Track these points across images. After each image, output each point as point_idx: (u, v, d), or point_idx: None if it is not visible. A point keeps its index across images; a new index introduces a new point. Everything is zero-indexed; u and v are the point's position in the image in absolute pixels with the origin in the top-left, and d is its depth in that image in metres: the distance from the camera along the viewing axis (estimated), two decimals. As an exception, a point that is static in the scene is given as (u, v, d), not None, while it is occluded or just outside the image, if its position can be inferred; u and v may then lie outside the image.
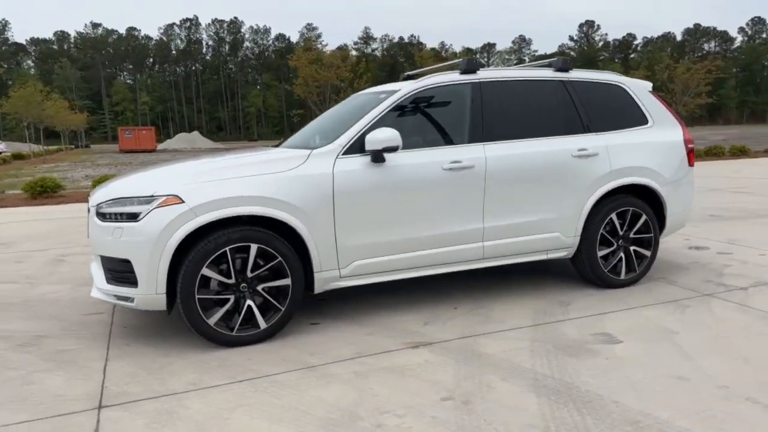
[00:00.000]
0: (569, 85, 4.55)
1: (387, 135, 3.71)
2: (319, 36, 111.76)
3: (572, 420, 2.59)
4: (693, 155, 4.88)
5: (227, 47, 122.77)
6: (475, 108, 4.21)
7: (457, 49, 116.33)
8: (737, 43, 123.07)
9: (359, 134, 3.85)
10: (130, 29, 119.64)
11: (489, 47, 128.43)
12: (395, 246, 3.90)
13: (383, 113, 3.97)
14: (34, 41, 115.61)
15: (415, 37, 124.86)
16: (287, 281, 3.61)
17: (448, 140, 4.19)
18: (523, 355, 3.34)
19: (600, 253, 4.48)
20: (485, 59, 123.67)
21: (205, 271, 3.42)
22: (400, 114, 4.07)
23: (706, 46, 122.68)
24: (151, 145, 56.26)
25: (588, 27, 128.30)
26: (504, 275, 5.07)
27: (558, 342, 3.53)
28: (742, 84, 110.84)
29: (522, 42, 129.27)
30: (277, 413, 2.74)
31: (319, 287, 3.79)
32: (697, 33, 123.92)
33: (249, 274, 3.54)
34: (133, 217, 3.42)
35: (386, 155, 3.81)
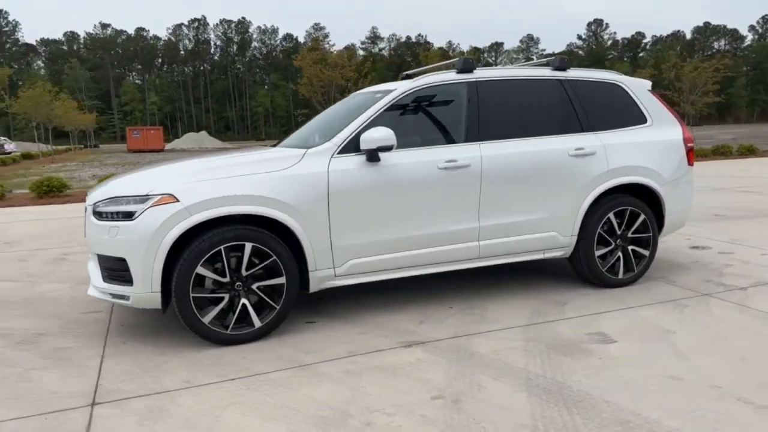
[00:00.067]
0: (567, 84, 4.53)
1: (381, 134, 3.72)
2: (326, 36, 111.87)
3: (562, 419, 2.59)
4: (692, 154, 4.85)
5: (235, 47, 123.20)
6: (471, 107, 4.21)
7: (465, 48, 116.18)
8: (747, 42, 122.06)
9: (354, 133, 3.86)
10: (139, 29, 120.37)
11: (497, 46, 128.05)
12: (390, 245, 3.91)
13: (378, 113, 3.98)
14: (44, 42, 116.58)
15: (422, 36, 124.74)
16: (282, 280, 3.62)
17: (443, 139, 4.19)
18: (516, 355, 3.33)
19: (597, 253, 4.46)
20: (493, 58, 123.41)
21: (200, 269, 3.44)
22: (395, 113, 4.08)
23: (716, 45, 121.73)
24: (159, 145, 56.56)
25: (596, 26, 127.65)
26: (501, 275, 5.06)
27: (552, 341, 3.52)
28: (752, 82, 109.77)
29: (530, 41, 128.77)
30: (268, 411, 2.75)
31: (314, 286, 3.80)
32: (706, 31, 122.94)
33: (244, 273, 3.56)
34: (129, 215, 3.45)
35: (381, 154, 3.82)
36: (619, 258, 4.54)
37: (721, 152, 19.91)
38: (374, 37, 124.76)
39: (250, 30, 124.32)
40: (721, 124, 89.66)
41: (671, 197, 4.68)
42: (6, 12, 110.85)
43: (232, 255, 3.53)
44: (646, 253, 4.63)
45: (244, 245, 3.51)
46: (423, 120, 4.28)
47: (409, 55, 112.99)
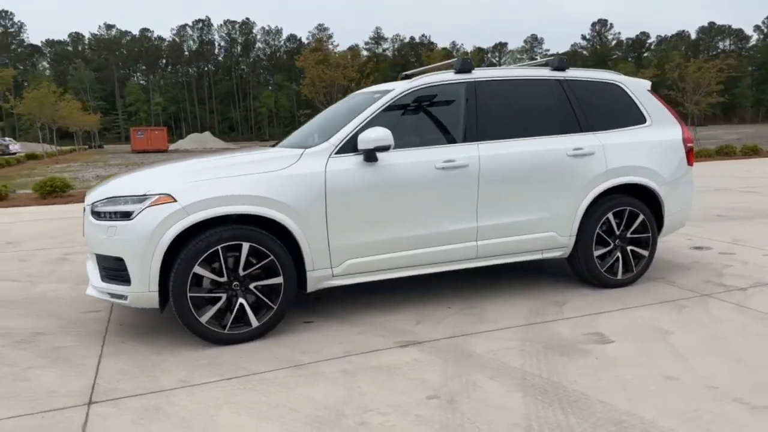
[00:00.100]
0: (565, 84, 4.53)
1: (379, 134, 3.72)
2: (330, 36, 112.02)
3: (556, 419, 2.58)
4: (692, 154, 4.83)
5: (239, 48, 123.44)
6: (469, 107, 4.21)
7: (469, 48, 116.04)
8: (753, 42, 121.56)
9: (352, 133, 3.87)
10: (144, 30, 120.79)
11: (500, 46, 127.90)
12: (388, 245, 3.91)
13: (376, 113, 3.98)
14: (49, 43, 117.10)
15: (426, 37, 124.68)
16: (279, 280, 3.63)
17: (442, 139, 4.19)
18: (512, 355, 3.33)
19: (596, 253, 4.45)
20: (497, 59, 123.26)
21: (197, 269, 3.45)
22: (393, 113, 4.08)
23: (721, 45, 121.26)
24: (163, 146, 56.71)
25: (601, 26, 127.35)
26: (500, 275, 5.06)
27: (549, 341, 3.51)
28: (757, 82, 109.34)
29: (534, 41, 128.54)
30: (264, 410, 2.76)
31: (311, 286, 3.81)
32: (711, 31, 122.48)
33: (241, 273, 3.57)
34: (126, 215, 3.46)
35: (379, 154, 3.82)
36: (618, 258, 4.53)
37: (724, 152, 19.84)
38: (378, 38, 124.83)
39: (254, 31, 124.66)
40: (726, 125, 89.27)
41: (671, 197, 4.67)
42: (11, 13, 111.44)
43: (229, 255, 3.53)
44: (646, 253, 4.62)
45: (241, 245, 3.52)
46: (421, 120, 4.29)
47: (413, 56, 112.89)
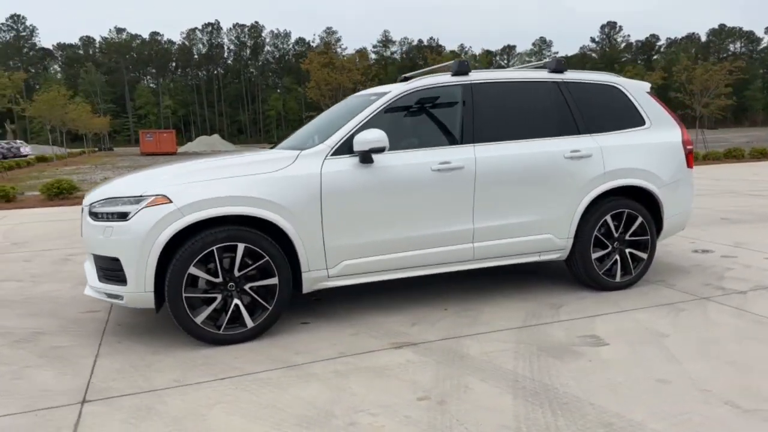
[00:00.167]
0: (563, 86, 4.52)
1: (374, 136, 3.74)
2: (338, 40, 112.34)
3: (545, 421, 2.58)
4: (692, 157, 4.81)
5: (248, 51, 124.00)
6: (466, 109, 4.21)
7: (477, 51, 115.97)
8: (764, 44, 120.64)
9: (348, 135, 3.89)
10: (154, 34, 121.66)
11: (509, 49, 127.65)
12: (384, 246, 3.92)
13: (373, 115, 4.00)
14: (60, 46, 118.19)
15: (434, 39, 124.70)
16: (274, 281, 3.65)
17: (438, 141, 4.19)
18: (505, 357, 3.32)
19: (594, 256, 4.44)
20: (505, 61, 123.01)
21: (193, 270, 3.48)
22: (390, 115, 4.09)
23: (731, 47, 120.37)
24: (172, 148, 56.97)
25: (610, 28, 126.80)
26: (498, 277, 5.05)
27: (543, 344, 3.51)
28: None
29: (542, 44, 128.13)
30: (254, 411, 2.77)
31: (307, 287, 3.82)
32: (722, 34, 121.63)
33: (236, 274, 3.59)
34: (123, 216, 3.49)
35: (375, 156, 3.84)
36: (616, 261, 4.51)
37: (733, 155, 19.68)
38: (386, 41, 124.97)
39: (263, 34, 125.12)
40: (737, 127, 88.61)
41: (670, 200, 4.64)
42: (24, 17, 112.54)
43: (224, 255, 3.56)
44: (644, 256, 4.59)
45: (236, 246, 3.54)
46: (417, 122, 4.29)
47: (421, 59, 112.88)
